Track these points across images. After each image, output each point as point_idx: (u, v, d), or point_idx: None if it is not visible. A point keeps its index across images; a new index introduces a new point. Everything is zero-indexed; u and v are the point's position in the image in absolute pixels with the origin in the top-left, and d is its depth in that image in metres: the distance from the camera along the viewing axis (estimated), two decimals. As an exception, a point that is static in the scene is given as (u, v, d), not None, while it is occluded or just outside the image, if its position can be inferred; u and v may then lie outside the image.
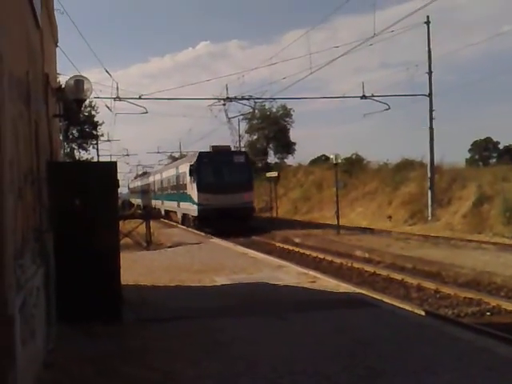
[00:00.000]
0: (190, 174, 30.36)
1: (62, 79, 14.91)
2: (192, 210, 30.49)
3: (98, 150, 55.29)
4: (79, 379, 5.89)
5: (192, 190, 30.18)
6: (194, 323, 8.52)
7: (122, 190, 76.62)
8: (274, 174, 37.14)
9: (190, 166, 30.65)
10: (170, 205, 39.12)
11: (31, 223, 5.92)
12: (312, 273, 14.09)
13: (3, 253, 4.02)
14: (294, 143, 66.44)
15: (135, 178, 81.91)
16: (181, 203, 34.17)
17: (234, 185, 28.59)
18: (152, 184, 50.00)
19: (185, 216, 33.99)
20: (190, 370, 6.28)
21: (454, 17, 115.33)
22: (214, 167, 29.47)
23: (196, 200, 29.31)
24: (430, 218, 30.34)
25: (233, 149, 38.19)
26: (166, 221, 39.68)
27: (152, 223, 25.41)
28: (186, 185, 31.87)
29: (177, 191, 35.40)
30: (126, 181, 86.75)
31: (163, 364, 6.45)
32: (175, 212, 37.02)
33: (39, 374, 5.69)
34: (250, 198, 29.69)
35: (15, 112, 4.94)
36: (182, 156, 62.33)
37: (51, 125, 8.92)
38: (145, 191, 54.76)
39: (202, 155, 30.67)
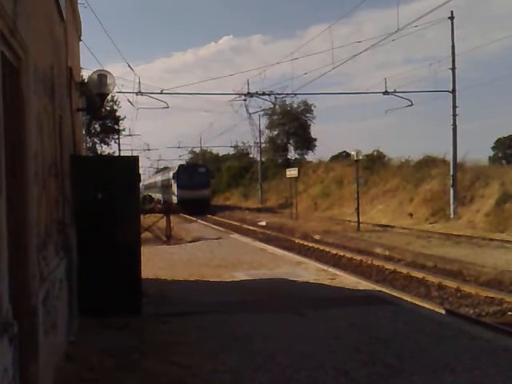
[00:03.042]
0: (173, 178, 48.55)
1: (85, 74, 15.05)
2: (174, 199, 47.53)
3: (119, 144, 55.82)
4: (99, 371, 5.95)
5: (174, 188, 47.95)
6: (212, 318, 8.55)
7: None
8: (294, 172, 37.04)
9: (173, 173, 49.28)
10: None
11: (54, 216, 5.99)
12: (331, 269, 14.06)
13: (27, 244, 4.08)
14: (315, 139, 66.25)
15: (154, 174, 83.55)
16: (170, 196, 51.16)
17: (198, 185, 45.55)
18: (155, 183, 67.22)
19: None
20: (208, 364, 6.31)
21: (479, 11, 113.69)
22: (187, 174, 47.25)
23: (176, 193, 47.00)
24: (451, 216, 30.03)
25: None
26: (186, 216, 40.13)
27: (172, 218, 25.56)
28: (172, 184, 49.58)
29: (166, 188, 53.15)
30: (146, 175, 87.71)
31: (181, 358, 6.48)
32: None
33: (60, 366, 5.77)
34: (208, 193, 47.99)
35: (40, 105, 5.00)
36: (201, 151, 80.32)
37: (74, 119, 9.01)
38: (165, 186, 60.68)
39: (180, 167, 50.92)
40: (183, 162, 73.19)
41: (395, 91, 32.82)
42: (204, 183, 46.47)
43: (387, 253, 19.69)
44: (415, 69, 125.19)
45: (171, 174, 50.53)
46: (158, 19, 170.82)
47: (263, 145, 64.82)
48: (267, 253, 17.86)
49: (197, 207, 41.34)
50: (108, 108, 49.03)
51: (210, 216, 42.21)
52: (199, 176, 46.94)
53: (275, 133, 67.47)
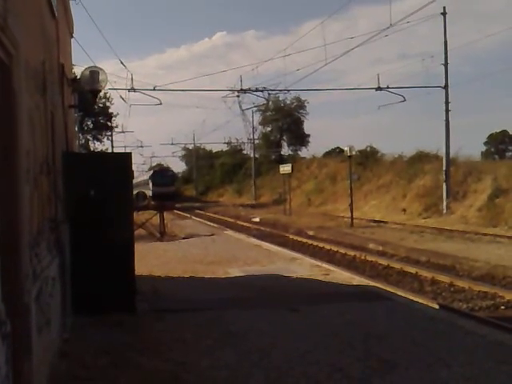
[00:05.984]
0: (149, 178, 61.59)
1: (78, 71, 14.99)
2: (150, 193, 57.85)
3: (112, 141, 55.93)
4: (93, 369, 5.93)
5: (151, 185, 60.22)
6: (207, 314, 8.54)
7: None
8: (288, 169, 37.11)
9: (150, 175, 63.02)
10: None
11: (47, 213, 5.95)
12: (325, 265, 14.07)
13: (19, 242, 4.05)
14: (308, 135, 66.41)
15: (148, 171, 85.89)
16: (147, 191, 61.44)
17: (166, 183, 58.89)
18: (140, 181, 75.40)
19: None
20: (203, 360, 6.30)
21: (473, 7, 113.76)
22: (158, 176, 60.53)
23: (151, 189, 58.90)
24: (444, 211, 30.14)
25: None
26: (180, 212, 40.22)
27: (165, 215, 25.54)
28: (149, 183, 61.83)
29: (147, 185, 64.33)
30: (139, 172, 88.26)
31: (177, 355, 6.48)
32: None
33: (54, 363, 5.75)
34: (173, 189, 60.39)
35: (32, 102, 4.96)
36: (194, 148, 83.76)
37: (67, 116, 8.96)
38: (146, 184, 68.81)
39: (154, 171, 65.54)
40: (177, 159, 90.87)
41: (388, 87, 32.89)
42: (170, 182, 61.48)
43: (380, 248, 19.75)
44: (408, 64, 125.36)
45: (148, 176, 65.89)
46: (151, 15, 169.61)
47: (256, 141, 64.99)
48: (261, 249, 17.87)
49: (165, 199, 52.51)
50: (100, 105, 48.96)
51: (203, 212, 44.21)
52: (167, 177, 61.72)
53: (268, 129, 67.65)
